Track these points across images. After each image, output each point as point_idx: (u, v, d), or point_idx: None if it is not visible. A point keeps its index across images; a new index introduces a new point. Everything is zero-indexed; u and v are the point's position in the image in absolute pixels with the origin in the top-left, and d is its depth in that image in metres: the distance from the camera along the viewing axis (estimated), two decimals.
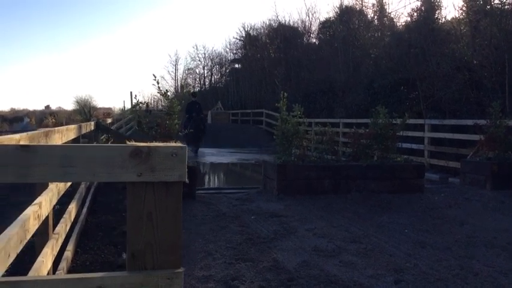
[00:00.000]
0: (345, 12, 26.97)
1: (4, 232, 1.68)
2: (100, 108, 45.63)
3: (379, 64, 17.49)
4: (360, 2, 26.12)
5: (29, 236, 2.00)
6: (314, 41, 30.50)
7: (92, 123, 7.06)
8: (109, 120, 17.53)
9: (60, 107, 63.75)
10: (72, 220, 4.02)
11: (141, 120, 6.92)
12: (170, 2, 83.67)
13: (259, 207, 6.55)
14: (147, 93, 68.88)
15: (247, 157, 15.95)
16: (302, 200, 6.84)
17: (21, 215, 2.04)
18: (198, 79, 47.33)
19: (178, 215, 1.34)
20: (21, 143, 1.96)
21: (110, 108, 50.08)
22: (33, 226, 2.14)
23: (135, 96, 37.86)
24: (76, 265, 4.07)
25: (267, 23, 34.16)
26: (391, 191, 7.21)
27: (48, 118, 39.75)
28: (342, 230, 5.44)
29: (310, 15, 32.17)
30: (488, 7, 13.34)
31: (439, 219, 6.13)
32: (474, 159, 8.75)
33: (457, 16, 16.15)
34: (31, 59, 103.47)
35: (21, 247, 1.78)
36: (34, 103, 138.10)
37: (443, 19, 16.91)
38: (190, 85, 46.93)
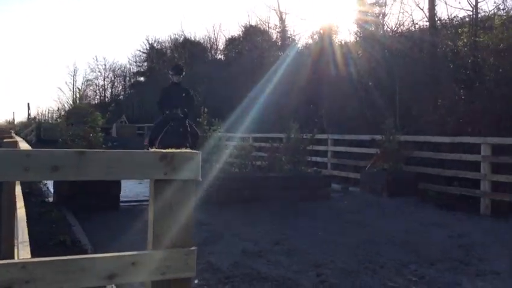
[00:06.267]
0: (250, 31, 28.18)
1: None
2: None
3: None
4: (264, 22, 27.44)
5: None
6: (220, 57, 31.34)
7: None
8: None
9: None
10: None
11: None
12: (70, 11, 79.94)
13: None
14: (43, 105, 65.14)
15: None
16: (225, 209, 7.28)
17: None
18: (98, 91, 45.94)
19: (191, 205, 1.74)
20: None
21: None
22: None
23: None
24: None
25: (172, 37, 34.42)
26: (304, 199, 7.92)
27: None
28: (264, 234, 5.96)
29: (217, 32, 32.91)
30: (380, 32, 14.98)
31: (346, 222, 6.93)
32: (371, 170, 9.82)
33: (352, 40, 17.82)
34: None
35: None
36: None
37: (342, 42, 18.44)
38: (89, 97, 45.37)
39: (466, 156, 8.38)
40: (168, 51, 35.36)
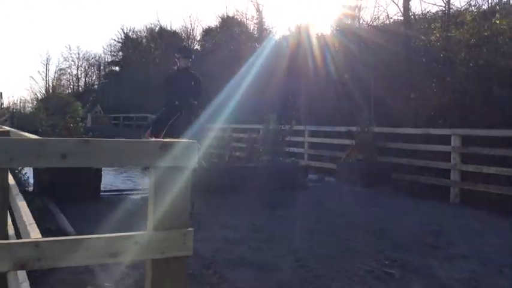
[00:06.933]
0: (228, 22, 28.17)
1: None
2: None
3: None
4: (241, 14, 27.47)
5: None
6: (197, 47, 31.24)
7: None
8: None
9: None
10: None
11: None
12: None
13: None
14: (16, 95, 63.80)
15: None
16: (205, 199, 7.41)
17: None
18: (71, 80, 45.24)
19: (188, 190, 1.89)
20: None
21: None
22: None
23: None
24: None
25: (148, 27, 34.10)
26: (282, 188, 8.12)
27: None
28: (245, 222, 6.13)
29: (193, 22, 32.79)
30: (357, 25, 15.27)
31: (323, 211, 7.17)
32: (347, 161, 10.10)
33: (329, 33, 18.05)
34: None
35: None
36: None
37: (319, 34, 18.66)
38: (63, 87, 44.65)
39: (437, 147, 8.72)
40: (144, 40, 35.03)
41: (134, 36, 36.27)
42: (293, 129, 9.30)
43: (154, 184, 1.83)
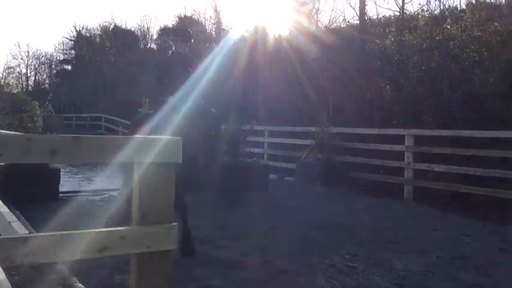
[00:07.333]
0: (185, 22, 27.97)
1: None
2: None
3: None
4: (198, 13, 27.37)
5: None
6: (153, 46, 30.83)
7: None
8: None
9: None
10: None
11: None
12: None
13: (127, 207, 6.91)
14: None
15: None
16: None
17: None
18: (20, 79, 43.50)
19: (172, 185, 1.94)
20: None
21: None
22: None
23: None
24: None
25: (102, 25, 33.35)
26: (244, 188, 8.19)
27: None
28: (208, 221, 6.16)
29: (149, 21, 32.34)
30: (315, 28, 15.60)
31: (285, 209, 7.32)
32: (306, 161, 10.31)
33: (286, 34, 18.29)
34: None
35: None
36: None
37: (276, 36, 18.84)
38: (11, 85, 42.88)
39: (391, 146, 9.06)
40: (98, 39, 34.22)
41: (87, 34, 35.39)
42: (253, 129, 9.40)
43: (138, 179, 1.87)
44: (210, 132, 4.72)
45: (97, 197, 7.66)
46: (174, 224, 1.92)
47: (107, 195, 7.78)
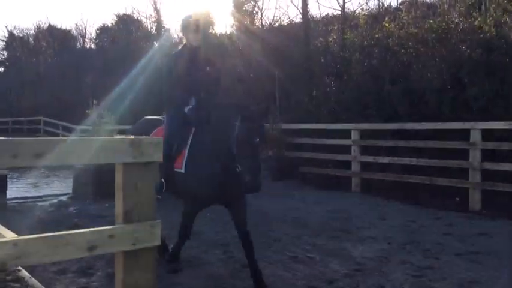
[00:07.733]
0: (125, 20, 27.37)
1: None
2: None
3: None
4: (138, 12, 26.86)
5: None
6: (91, 45, 29.92)
7: None
8: None
9: None
10: None
11: None
12: None
13: (80, 211, 6.77)
14: None
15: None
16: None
17: None
18: None
19: (152, 183, 2.01)
20: None
21: None
22: None
23: None
24: None
25: (36, 24, 31.99)
26: None
27: None
28: (163, 221, 6.16)
29: (86, 20, 31.36)
30: (258, 26, 15.80)
31: None
32: None
33: (229, 33, 18.37)
34: None
35: None
36: None
37: (219, 34, 18.85)
38: None
39: (339, 140, 9.40)
40: (31, 39, 32.77)
41: (20, 34, 33.82)
42: None
43: (123, 179, 1.92)
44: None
45: (46, 203, 7.43)
46: (157, 221, 1.99)
47: (56, 201, 7.57)
